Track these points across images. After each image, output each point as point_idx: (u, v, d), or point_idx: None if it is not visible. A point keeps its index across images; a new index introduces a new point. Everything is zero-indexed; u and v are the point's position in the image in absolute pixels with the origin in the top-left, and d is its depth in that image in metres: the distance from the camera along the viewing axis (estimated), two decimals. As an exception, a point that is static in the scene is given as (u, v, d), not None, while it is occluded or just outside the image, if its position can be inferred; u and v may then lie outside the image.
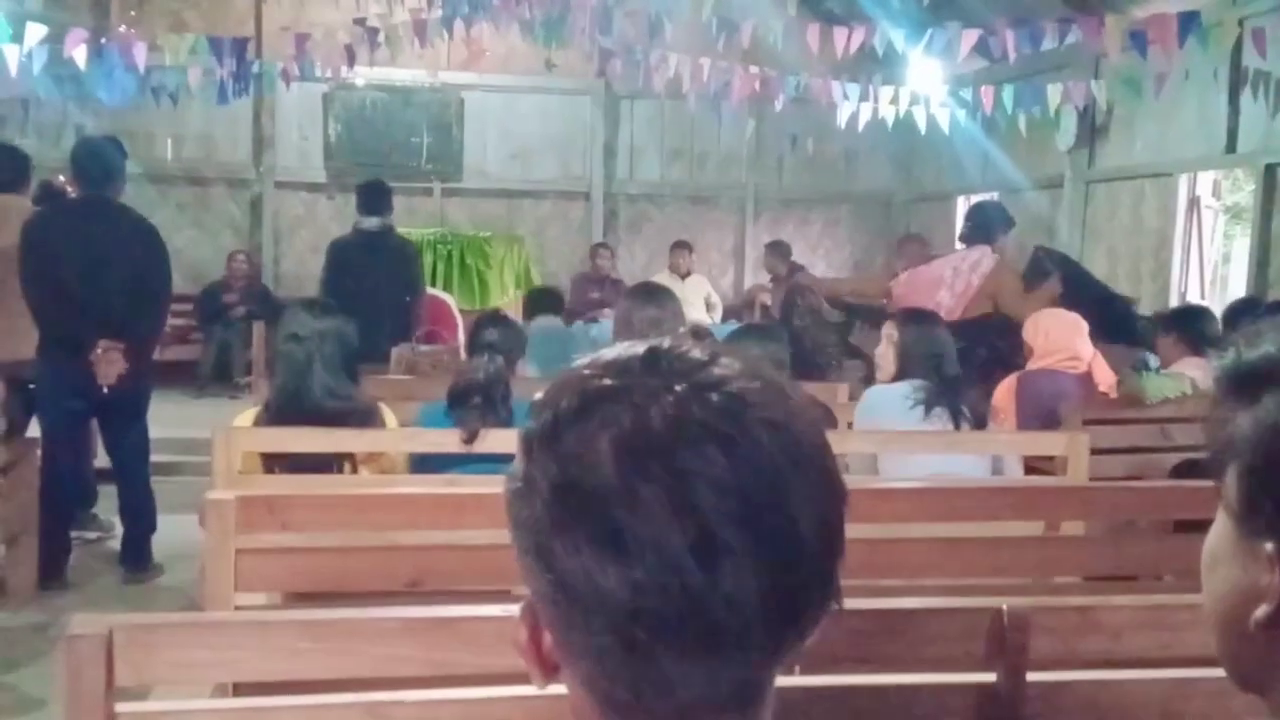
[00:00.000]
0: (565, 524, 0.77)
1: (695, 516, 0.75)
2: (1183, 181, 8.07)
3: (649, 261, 11.78)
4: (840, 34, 7.24)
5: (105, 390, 5.13)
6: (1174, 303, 7.61)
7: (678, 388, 0.79)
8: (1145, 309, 7.47)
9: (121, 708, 1.54)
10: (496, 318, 4.42)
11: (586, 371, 0.83)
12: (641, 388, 0.79)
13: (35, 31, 6.90)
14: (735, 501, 0.75)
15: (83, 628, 1.51)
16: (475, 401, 3.63)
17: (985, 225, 5.82)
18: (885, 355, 4.16)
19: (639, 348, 0.84)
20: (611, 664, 0.78)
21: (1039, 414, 4.75)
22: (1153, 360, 4.85)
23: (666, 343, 0.84)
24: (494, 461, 3.57)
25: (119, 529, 5.96)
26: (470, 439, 3.51)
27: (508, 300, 9.89)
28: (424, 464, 3.81)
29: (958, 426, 3.84)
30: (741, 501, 0.75)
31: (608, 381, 0.81)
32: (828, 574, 0.80)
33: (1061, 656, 1.81)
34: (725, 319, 10.42)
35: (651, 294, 4.09)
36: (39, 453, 5.25)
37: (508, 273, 10.76)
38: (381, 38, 8.24)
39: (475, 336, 4.10)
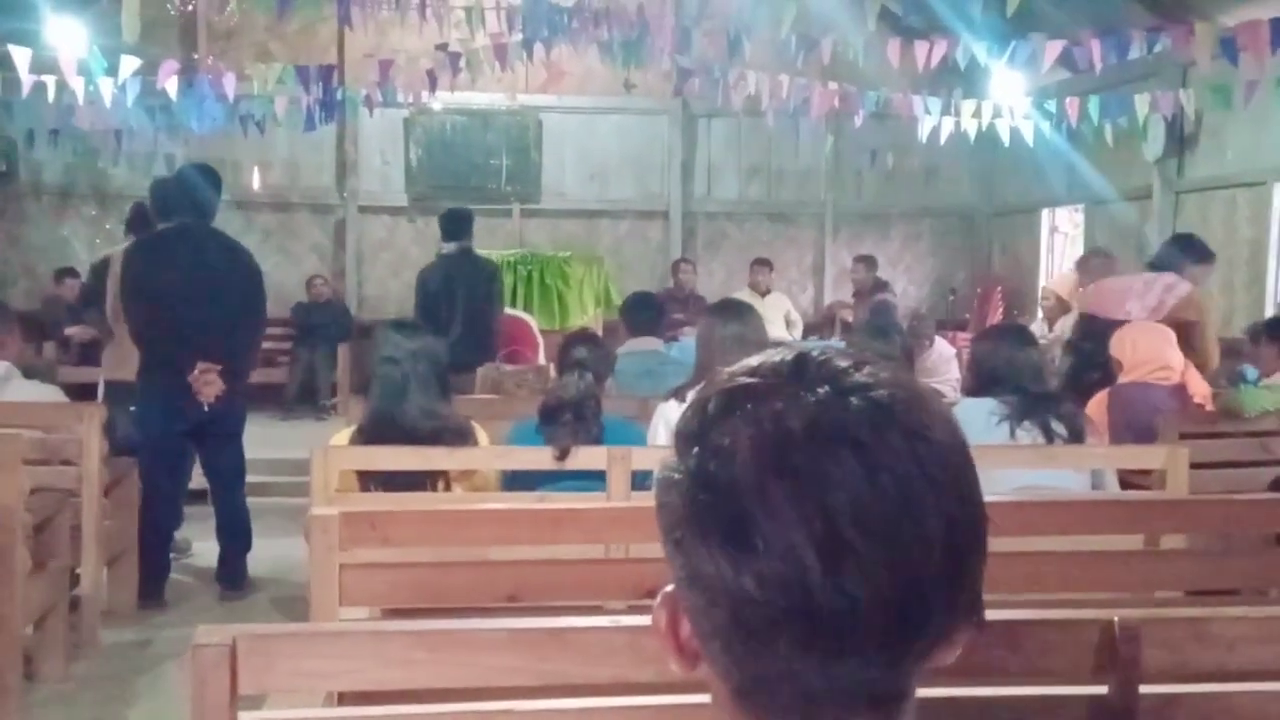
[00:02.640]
0: (698, 515, 0.80)
1: (823, 517, 0.76)
2: (1277, 190, 7.90)
3: (727, 279, 11.78)
4: (921, 48, 7.20)
5: (205, 410, 5.25)
6: (1270, 313, 7.44)
7: (820, 391, 0.81)
8: (1240, 320, 7.31)
9: (244, 717, 1.58)
10: (586, 336, 4.46)
11: (736, 372, 0.85)
12: (785, 390, 0.81)
13: (129, 64, 7.10)
14: (864, 506, 0.76)
15: (207, 638, 1.55)
16: (566, 418, 3.66)
17: (1172, 256, 5.90)
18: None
19: (789, 352, 0.86)
20: (736, 653, 0.81)
21: (1132, 428, 4.67)
22: (1250, 372, 4.75)
23: (816, 349, 0.86)
24: (585, 478, 3.60)
25: (194, 548, 6.10)
26: (562, 456, 3.54)
27: (588, 319, 9.93)
28: (515, 481, 3.85)
29: (1050, 442, 3.79)
30: (870, 506, 0.77)
31: (753, 381, 0.83)
32: (957, 584, 0.81)
33: (1174, 669, 1.78)
34: (805, 336, 10.38)
35: (733, 310, 4.10)
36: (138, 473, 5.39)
37: (587, 292, 10.80)
38: (463, 62, 8.35)
39: (565, 355, 4.13)
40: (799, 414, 0.79)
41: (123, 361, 5.79)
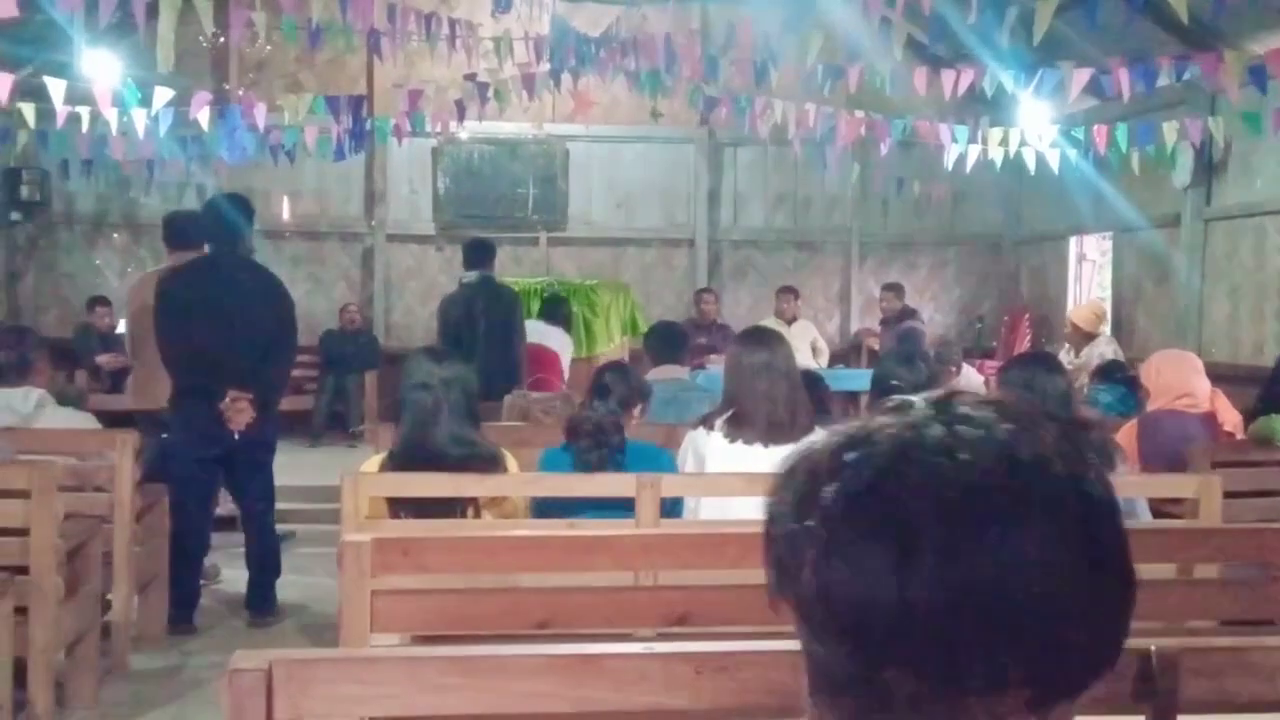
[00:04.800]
0: (837, 545, 0.81)
1: (958, 560, 0.78)
2: (1307, 218, 7.86)
3: (753, 307, 11.77)
4: (948, 76, 7.21)
5: (235, 438, 5.29)
6: (1300, 342, 7.39)
7: (965, 438, 0.82)
8: (1271, 349, 7.26)
9: (280, 741, 1.58)
10: (618, 366, 4.49)
11: (879, 418, 0.87)
12: (928, 437, 0.83)
13: (162, 95, 7.18)
14: (1005, 574, 0.78)
15: (245, 662, 1.56)
16: (587, 437, 3.70)
17: None
18: None
19: (931, 397, 0.87)
20: (822, 655, 0.83)
21: (1163, 456, 4.64)
22: (1283, 400, 4.72)
23: (957, 395, 0.87)
24: (613, 507, 3.60)
25: (223, 575, 6.12)
26: (597, 466, 3.58)
27: (614, 347, 9.94)
28: (544, 508, 3.85)
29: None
30: (1006, 551, 0.78)
31: (896, 429, 0.84)
32: (1101, 630, 0.82)
33: (1212, 699, 1.77)
34: (832, 364, 10.37)
35: (761, 338, 4.10)
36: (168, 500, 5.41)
37: (614, 320, 10.79)
38: (491, 92, 8.42)
39: (597, 383, 4.16)
40: (941, 459, 0.80)
41: (142, 390, 5.84)
